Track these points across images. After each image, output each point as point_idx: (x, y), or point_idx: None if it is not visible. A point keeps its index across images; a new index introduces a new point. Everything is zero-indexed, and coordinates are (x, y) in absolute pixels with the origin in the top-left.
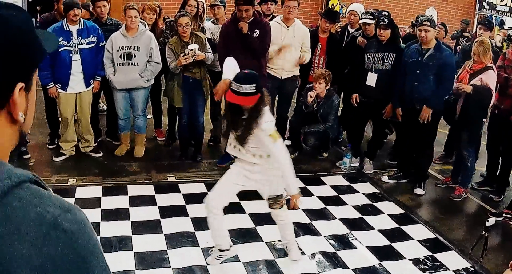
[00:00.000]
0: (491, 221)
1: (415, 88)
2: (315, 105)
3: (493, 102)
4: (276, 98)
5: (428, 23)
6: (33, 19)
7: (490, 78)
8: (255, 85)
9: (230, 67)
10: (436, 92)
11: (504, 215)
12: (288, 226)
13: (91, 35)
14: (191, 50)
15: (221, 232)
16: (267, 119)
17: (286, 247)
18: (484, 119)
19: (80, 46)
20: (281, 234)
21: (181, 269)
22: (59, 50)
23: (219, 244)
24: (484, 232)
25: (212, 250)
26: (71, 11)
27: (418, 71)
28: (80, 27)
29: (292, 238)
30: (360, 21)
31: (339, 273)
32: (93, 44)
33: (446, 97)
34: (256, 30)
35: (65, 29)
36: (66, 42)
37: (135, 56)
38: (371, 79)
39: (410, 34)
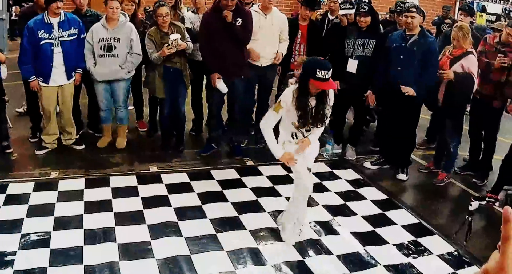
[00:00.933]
0: (474, 205)
1: (399, 73)
2: None
3: (476, 88)
4: (257, 87)
5: (415, 10)
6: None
7: (471, 63)
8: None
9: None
10: (420, 79)
11: (487, 199)
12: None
13: (72, 27)
14: (174, 40)
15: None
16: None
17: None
18: (467, 105)
19: (61, 39)
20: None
21: (165, 259)
22: (41, 43)
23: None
24: (467, 216)
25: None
26: (54, 4)
27: (401, 57)
28: (61, 20)
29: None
30: (340, 12)
31: (323, 259)
32: (75, 36)
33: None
34: (239, 19)
35: (46, 22)
36: (48, 35)
37: (115, 47)
38: (352, 65)
39: (387, 20)
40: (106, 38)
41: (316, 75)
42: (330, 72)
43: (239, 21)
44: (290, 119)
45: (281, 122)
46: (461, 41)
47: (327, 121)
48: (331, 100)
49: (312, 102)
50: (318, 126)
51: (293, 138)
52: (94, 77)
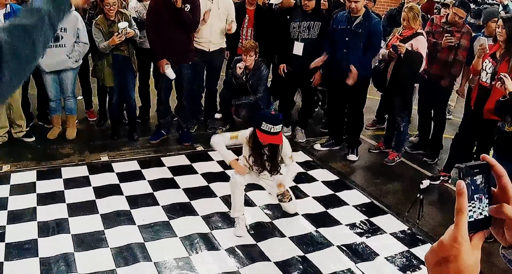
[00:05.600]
0: (425, 183)
1: (345, 55)
2: (244, 77)
3: (424, 67)
4: (205, 72)
5: None
6: None
7: (420, 44)
8: (281, 125)
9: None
10: (362, 59)
11: (441, 178)
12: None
13: None
14: (124, 28)
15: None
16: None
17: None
18: (416, 85)
19: None
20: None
21: (119, 248)
22: None
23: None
24: (419, 195)
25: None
26: None
27: (347, 39)
28: (7, 11)
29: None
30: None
31: (276, 242)
32: None
33: (376, 64)
34: (187, 4)
35: None
36: None
37: (62, 37)
38: (298, 48)
39: (337, 2)
40: None
41: (261, 127)
42: (278, 127)
43: (188, 7)
44: (245, 152)
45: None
46: (411, 22)
47: (280, 170)
48: (287, 149)
49: (267, 150)
50: (273, 174)
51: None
52: (42, 69)
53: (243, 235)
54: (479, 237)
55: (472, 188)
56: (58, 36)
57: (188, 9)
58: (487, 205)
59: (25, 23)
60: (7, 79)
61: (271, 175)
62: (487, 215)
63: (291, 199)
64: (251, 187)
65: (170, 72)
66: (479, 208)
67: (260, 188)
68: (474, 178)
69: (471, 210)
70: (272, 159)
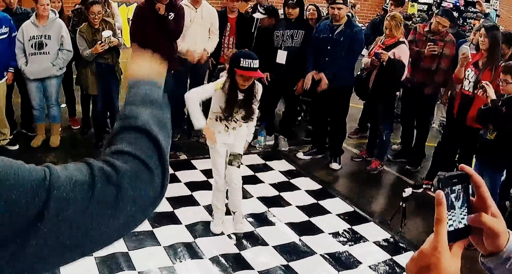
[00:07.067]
0: (408, 191)
1: (327, 64)
2: None
3: (406, 76)
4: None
5: (341, 1)
6: None
7: (402, 52)
8: (257, 60)
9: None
10: (343, 67)
11: (424, 186)
12: (238, 191)
13: (3, 26)
14: (107, 37)
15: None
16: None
17: (234, 213)
18: (398, 93)
19: None
20: (230, 202)
21: (103, 257)
22: None
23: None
24: (401, 203)
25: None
26: None
27: (328, 47)
28: None
29: (240, 205)
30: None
31: (259, 251)
32: (6, 35)
33: (358, 73)
34: (171, 13)
35: None
36: None
37: (46, 45)
38: (281, 56)
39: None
40: (36, 36)
41: (240, 64)
42: (255, 61)
43: (172, 15)
44: (218, 103)
45: (211, 106)
46: (393, 30)
47: (254, 118)
48: (258, 95)
49: (241, 96)
50: (246, 121)
51: (217, 121)
52: (26, 76)
53: (218, 232)
54: (459, 245)
55: (452, 197)
56: (42, 43)
57: (171, 17)
58: (466, 214)
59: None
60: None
61: (245, 122)
62: (466, 224)
63: (239, 166)
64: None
65: None
66: (458, 217)
67: (242, 196)
68: (453, 188)
69: (450, 219)
70: (247, 104)
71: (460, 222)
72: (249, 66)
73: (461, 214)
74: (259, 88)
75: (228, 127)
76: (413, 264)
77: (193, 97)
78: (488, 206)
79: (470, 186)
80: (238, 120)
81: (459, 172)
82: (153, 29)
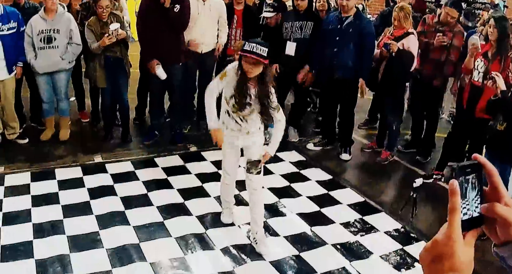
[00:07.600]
0: (418, 182)
1: (335, 55)
2: None
3: (415, 67)
4: (197, 73)
5: None
6: None
7: (411, 43)
8: (267, 49)
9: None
10: (360, 63)
11: (434, 176)
12: (259, 203)
13: (12, 21)
14: (115, 30)
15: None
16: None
17: (255, 239)
18: (407, 84)
19: (1, 33)
20: (252, 219)
21: (114, 249)
22: None
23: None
24: (412, 193)
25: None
26: None
27: (337, 38)
28: (0, 14)
29: (261, 226)
30: (263, 14)
31: (270, 241)
32: (14, 30)
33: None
34: (177, 5)
35: None
36: None
37: (55, 39)
38: (290, 48)
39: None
40: (45, 30)
41: (244, 48)
42: (262, 48)
43: (177, 7)
44: (228, 92)
45: (222, 99)
46: (402, 21)
47: (269, 120)
48: (272, 98)
49: (252, 90)
50: (265, 118)
51: (227, 115)
52: (35, 70)
53: (229, 222)
54: (472, 235)
55: (465, 187)
56: (51, 38)
57: (177, 10)
58: (479, 204)
59: None
60: None
61: (266, 121)
62: (480, 213)
63: (259, 172)
64: (243, 186)
65: (160, 72)
66: (471, 207)
67: None
68: (467, 177)
69: (464, 208)
70: (260, 99)
71: (474, 212)
72: (251, 49)
73: (474, 203)
74: (272, 91)
75: (238, 124)
76: (427, 253)
77: (207, 95)
78: (501, 195)
79: (482, 176)
80: (249, 119)
81: (472, 162)
82: (159, 22)
